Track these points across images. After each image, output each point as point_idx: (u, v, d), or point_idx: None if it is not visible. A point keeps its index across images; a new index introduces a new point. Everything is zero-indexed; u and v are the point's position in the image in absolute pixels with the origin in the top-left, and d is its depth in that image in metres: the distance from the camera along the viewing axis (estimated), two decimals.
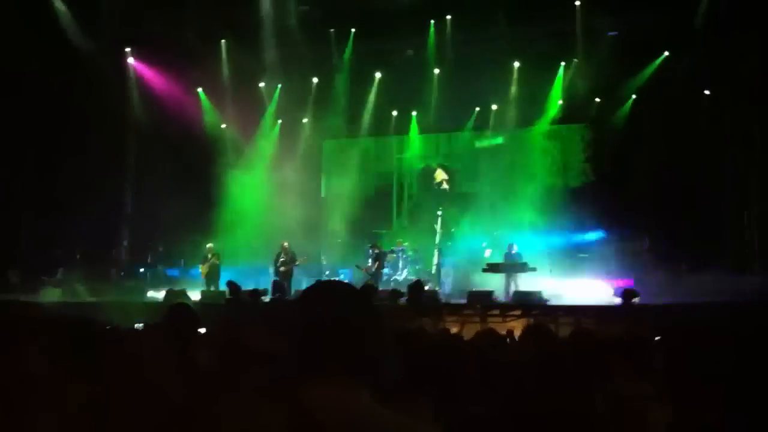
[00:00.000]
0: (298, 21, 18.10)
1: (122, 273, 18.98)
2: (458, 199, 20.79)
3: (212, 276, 17.08)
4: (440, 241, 18.37)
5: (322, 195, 22.24)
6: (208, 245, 17.44)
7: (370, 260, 17.71)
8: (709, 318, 9.68)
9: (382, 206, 21.78)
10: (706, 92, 17.67)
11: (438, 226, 19.04)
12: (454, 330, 11.69)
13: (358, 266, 18.12)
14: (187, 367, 4.21)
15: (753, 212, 16.66)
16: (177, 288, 15.67)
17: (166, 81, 19.11)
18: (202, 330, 6.95)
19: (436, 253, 17.99)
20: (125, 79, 19.44)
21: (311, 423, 1.88)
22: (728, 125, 17.48)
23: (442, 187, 21.83)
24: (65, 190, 17.71)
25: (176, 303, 6.96)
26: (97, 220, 18.17)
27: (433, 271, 17.81)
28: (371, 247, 17.94)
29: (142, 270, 19.16)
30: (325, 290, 2.15)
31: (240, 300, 13.04)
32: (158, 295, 15.99)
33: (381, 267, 17.74)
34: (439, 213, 19.57)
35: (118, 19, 17.22)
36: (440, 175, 22.03)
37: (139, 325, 7.57)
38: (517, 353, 5.54)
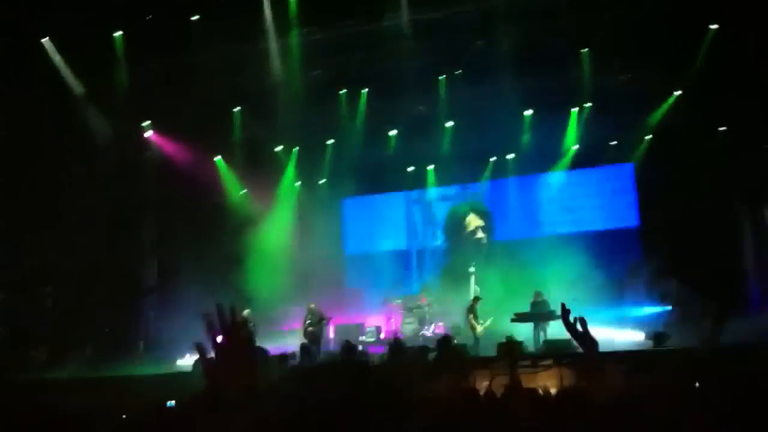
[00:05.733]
0: (311, 84, 18.30)
1: (150, 345, 18.90)
2: (495, 254, 20.42)
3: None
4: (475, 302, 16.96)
5: (346, 254, 22.24)
6: (245, 312, 17.22)
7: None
8: (747, 361, 9.47)
9: (404, 262, 21.64)
10: (721, 129, 17.65)
11: (472, 286, 18.64)
12: (484, 384, 11.53)
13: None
14: None
15: None
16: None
17: (183, 152, 19.29)
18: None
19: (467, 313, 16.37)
20: (144, 152, 19.70)
21: None
22: (744, 162, 17.39)
23: (476, 237, 21.09)
24: (88, 265, 17.77)
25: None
26: (120, 294, 18.27)
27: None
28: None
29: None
30: None
31: (268, 366, 12.95)
32: (188, 363, 15.72)
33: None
34: (472, 270, 19.24)
35: (134, 96, 17.52)
36: (473, 221, 21.15)
37: (171, 403, 7.45)
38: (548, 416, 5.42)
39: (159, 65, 17.30)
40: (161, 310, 19.43)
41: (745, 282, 17.22)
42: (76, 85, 17.34)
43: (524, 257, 19.24)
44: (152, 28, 15.87)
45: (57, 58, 16.88)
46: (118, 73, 17.20)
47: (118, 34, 16.56)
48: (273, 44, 17.19)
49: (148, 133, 19.60)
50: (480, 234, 20.92)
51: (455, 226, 21.40)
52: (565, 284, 17.13)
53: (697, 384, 6.92)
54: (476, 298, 16.69)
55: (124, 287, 18.58)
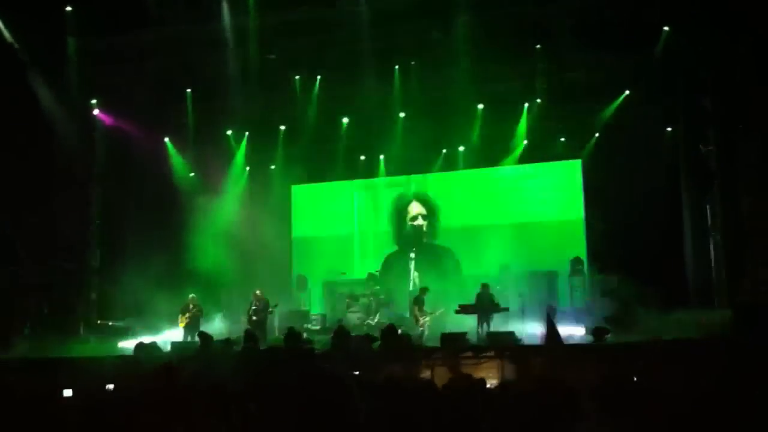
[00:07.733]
0: (264, 68, 18.12)
1: (91, 327, 18.54)
2: (432, 248, 20.64)
3: (192, 327, 16.58)
4: (414, 290, 17.61)
5: (293, 241, 22.12)
6: (190, 295, 17.06)
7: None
8: (681, 355, 9.76)
9: (349, 246, 21.71)
10: (668, 129, 18.08)
11: (412, 273, 18.78)
12: (426, 374, 11.66)
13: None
14: None
15: (716, 247, 16.96)
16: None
17: (132, 132, 18.97)
18: None
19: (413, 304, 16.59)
20: (91, 130, 19.29)
21: None
22: (690, 161, 17.88)
23: (416, 224, 21.16)
24: (29, 243, 17.36)
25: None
26: (63, 273, 17.91)
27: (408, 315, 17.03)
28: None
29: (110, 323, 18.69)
30: None
31: (211, 351, 12.88)
32: (129, 345, 15.48)
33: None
34: (412, 257, 19.35)
35: (83, 72, 17.20)
36: (415, 208, 21.21)
37: (110, 387, 7.40)
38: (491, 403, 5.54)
39: (110, 42, 17.01)
40: (104, 290, 19.10)
41: (685, 276, 17.70)
42: (25, 59, 16.92)
43: (467, 246, 19.48)
44: (104, 5, 15.59)
45: (4, 29, 16.49)
46: (69, 49, 16.87)
47: (68, 8, 16.22)
48: (228, 26, 16.99)
49: (96, 111, 19.22)
50: (420, 221, 21.07)
51: (398, 212, 21.45)
52: (508, 275, 17.42)
53: (635, 378, 7.11)
54: (424, 290, 16.77)
55: (66, 266, 18.19)
